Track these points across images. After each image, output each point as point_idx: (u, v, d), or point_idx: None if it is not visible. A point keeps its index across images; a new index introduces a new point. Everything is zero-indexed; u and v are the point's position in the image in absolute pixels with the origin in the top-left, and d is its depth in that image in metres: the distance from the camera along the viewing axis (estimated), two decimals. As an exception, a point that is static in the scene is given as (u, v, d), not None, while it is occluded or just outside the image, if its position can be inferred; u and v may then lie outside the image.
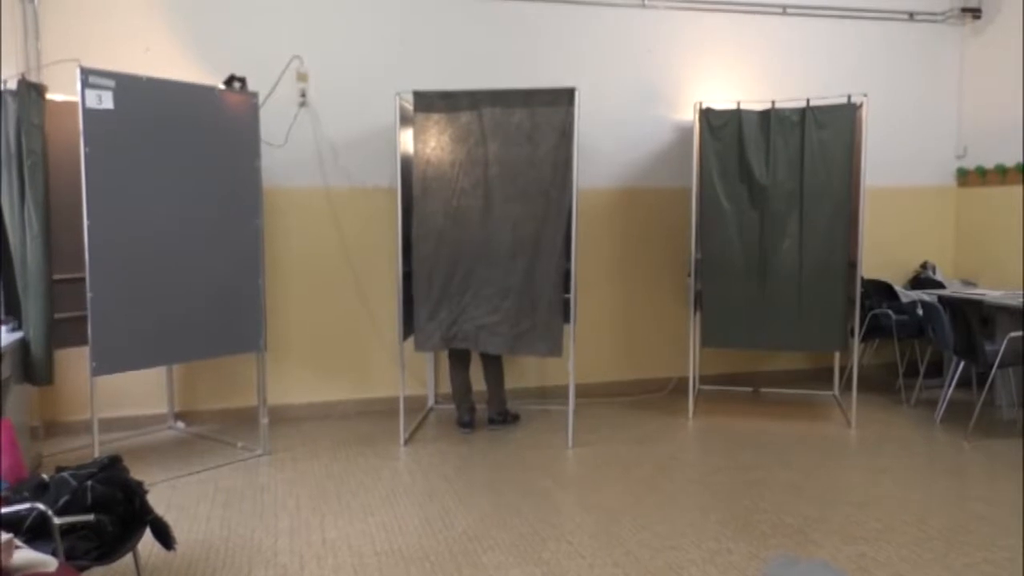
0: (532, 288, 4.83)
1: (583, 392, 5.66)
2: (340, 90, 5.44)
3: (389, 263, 5.23)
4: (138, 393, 5.14)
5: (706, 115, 5.36)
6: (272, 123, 5.11)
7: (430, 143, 4.89)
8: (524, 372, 5.86)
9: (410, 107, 4.92)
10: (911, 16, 6.49)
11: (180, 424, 5.26)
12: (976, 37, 6.56)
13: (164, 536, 2.84)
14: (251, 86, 4.72)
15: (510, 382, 5.50)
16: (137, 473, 2.90)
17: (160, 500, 3.47)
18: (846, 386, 5.52)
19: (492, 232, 4.85)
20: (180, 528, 3.43)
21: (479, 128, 4.82)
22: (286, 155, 5.30)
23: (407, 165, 4.96)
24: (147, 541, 2.84)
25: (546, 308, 4.83)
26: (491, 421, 5.28)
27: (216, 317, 4.51)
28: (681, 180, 5.80)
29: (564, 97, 4.73)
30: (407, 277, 4.96)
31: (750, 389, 6.14)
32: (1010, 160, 6.23)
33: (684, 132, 5.93)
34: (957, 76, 6.67)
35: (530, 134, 4.77)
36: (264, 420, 4.79)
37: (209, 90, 4.53)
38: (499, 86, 4.92)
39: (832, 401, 5.88)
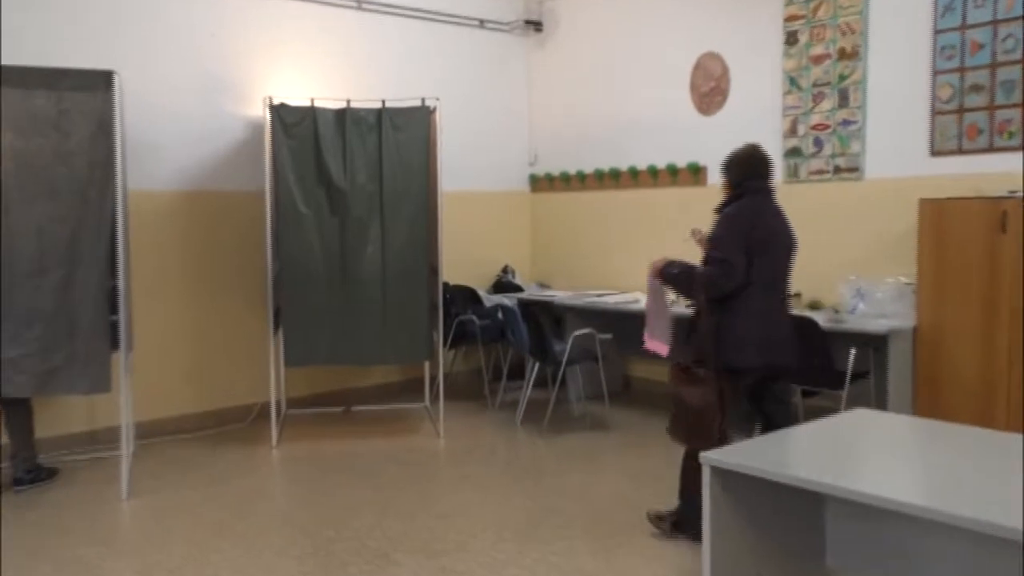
0: (68, 311, 4.09)
1: (148, 431, 4.95)
2: None
3: None
4: None
5: (278, 111, 4.91)
6: None
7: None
8: (68, 415, 4.82)
9: None
10: (482, 23, 6.64)
11: None
12: (540, 50, 6.93)
13: None
14: None
15: (48, 429, 4.60)
16: None
17: None
18: (436, 396, 5.43)
19: (9, 242, 4.01)
20: None
21: (-17, 112, 3.90)
22: None
23: None
24: None
25: (87, 335, 4.10)
26: (17, 482, 4.32)
27: None
28: (255, 182, 5.24)
29: (100, 81, 4.08)
30: None
31: (341, 408, 5.78)
32: (571, 168, 6.72)
33: (256, 129, 5.36)
34: (526, 86, 7.03)
35: (57, 123, 4.08)
36: None
37: None
38: (16, 63, 4.05)
39: (424, 412, 5.77)
